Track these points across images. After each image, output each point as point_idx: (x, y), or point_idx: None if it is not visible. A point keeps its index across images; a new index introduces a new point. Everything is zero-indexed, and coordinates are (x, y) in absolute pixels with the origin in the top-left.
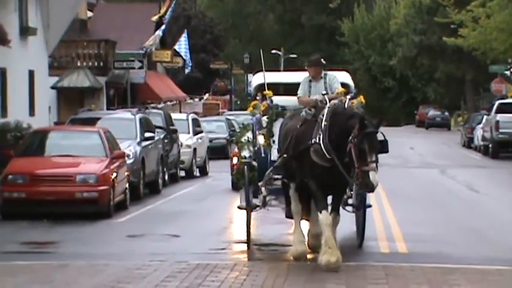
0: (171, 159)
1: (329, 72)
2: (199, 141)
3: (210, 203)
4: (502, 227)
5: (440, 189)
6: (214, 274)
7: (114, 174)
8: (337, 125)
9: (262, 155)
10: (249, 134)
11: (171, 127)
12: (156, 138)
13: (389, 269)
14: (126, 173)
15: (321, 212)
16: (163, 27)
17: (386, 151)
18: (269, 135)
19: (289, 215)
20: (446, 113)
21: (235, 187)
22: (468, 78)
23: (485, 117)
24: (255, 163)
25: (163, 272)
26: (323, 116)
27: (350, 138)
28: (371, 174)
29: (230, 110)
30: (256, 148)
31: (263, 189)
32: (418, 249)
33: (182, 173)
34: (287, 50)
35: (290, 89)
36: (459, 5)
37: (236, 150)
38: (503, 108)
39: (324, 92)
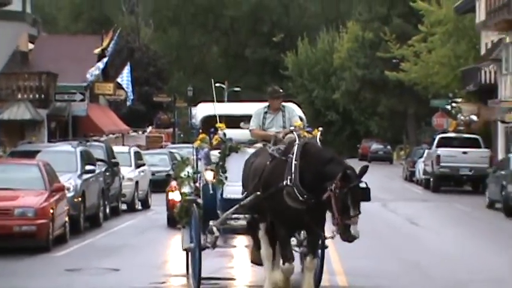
0: (112, 192)
1: (287, 105)
2: (142, 174)
3: (151, 236)
4: (442, 261)
5: (382, 222)
6: None
7: (54, 208)
8: (312, 167)
9: (210, 191)
10: (189, 169)
11: (113, 160)
12: (97, 171)
13: None
14: (66, 207)
15: (284, 264)
16: (105, 59)
17: (368, 199)
18: (222, 171)
19: (256, 261)
20: (389, 147)
21: (172, 223)
22: (410, 112)
23: (426, 151)
24: (199, 200)
25: None
26: (293, 154)
27: (332, 187)
28: (352, 228)
29: (173, 143)
30: (201, 184)
31: (214, 229)
32: (358, 283)
33: (124, 206)
34: (231, 82)
35: (239, 121)
36: (401, 40)
37: (173, 184)
38: (444, 142)
39: (280, 126)
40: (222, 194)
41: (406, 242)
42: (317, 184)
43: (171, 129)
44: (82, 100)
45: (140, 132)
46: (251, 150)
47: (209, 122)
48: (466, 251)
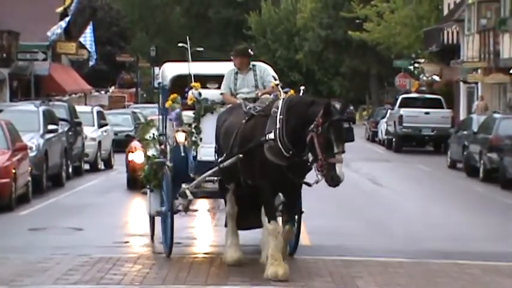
0: (75, 152)
1: (258, 63)
2: (104, 134)
3: (114, 196)
4: (403, 220)
5: (344, 182)
6: (117, 267)
7: (16, 167)
8: (296, 116)
9: (182, 153)
10: (153, 131)
11: (76, 120)
12: (60, 130)
13: (292, 262)
14: (28, 166)
15: (269, 222)
16: (67, 18)
17: (352, 139)
18: (196, 132)
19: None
20: (352, 107)
21: (132, 185)
22: (373, 73)
23: (389, 111)
24: (169, 163)
25: (65, 266)
26: (277, 109)
27: (312, 127)
28: (337, 166)
29: (136, 103)
30: (167, 146)
31: (188, 192)
32: (320, 241)
33: (86, 166)
34: (194, 43)
35: (213, 81)
36: (364, 0)
37: (133, 145)
38: (407, 103)
39: (252, 86)
40: (195, 156)
41: (368, 201)
42: (301, 135)
43: (133, 89)
44: (44, 59)
45: (103, 92)
46: None
47: (180, 82)
48: (427, 209)
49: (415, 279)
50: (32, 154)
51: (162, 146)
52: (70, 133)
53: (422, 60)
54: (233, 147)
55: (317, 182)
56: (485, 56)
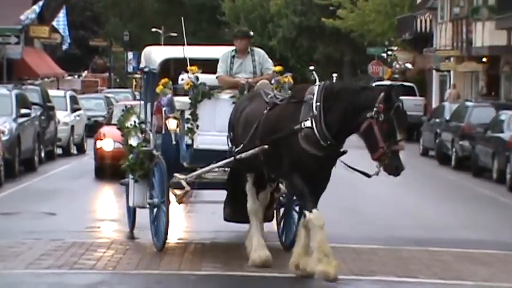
0: (47, 136)
1: (256, 48)
2: (77, 118)
3: (87, 181)
4: (375, 207)
5: None
6: (90, 252)
7: None
8: (343, 102)
9: (173, 142)
10: (134, 118)
11: (48, 104)
12: (33, 115)
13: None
14: (0, 150)
15: (311, 211)
16: (41, 2)
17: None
18: (193, 118)
19: (230, 218)
20: None
21: (101, 174)
22: (346, 60)
23: None
24: (155, 152)
25: (37, 250)
26: (313, 95)
27: (372, 113)
28: (401, 154)
29: (109, 87)
30: (150, 134)
31: (184, 183)
32: None
33: (59, 151)
34: (168, 28)
35: (206, 65)
36: None
37: (102, 132)
38: None
39: (250, 72)
40: (190, 145)
41: (345, 188)
42: (347, 123)
43: (106, 74)
44: (17, 43)
45: (76, 77)
46: (225, 96)
47: (169, 66)
48: (399, 197)
49: (388, 266)
50: (4, 138)
51: (144, 134)
52: (43, 117)
53: (396, 48)
54: (253, 138)
55: (377, 173)
56: (457, 45)
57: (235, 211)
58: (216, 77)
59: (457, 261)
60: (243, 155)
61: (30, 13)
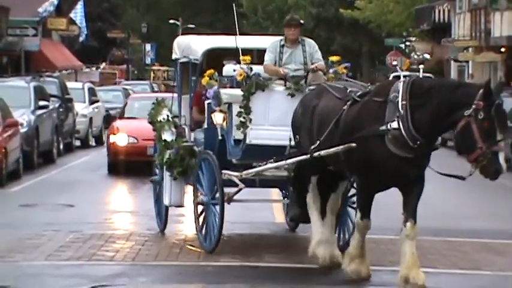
0: (66, 129)
1: (306, 39)
2: (95, 110)
3: (105, 173)
4: (394, 197)
5: None
6: (109, 244)
7: (7, 143)
8: (435, 100)
9: (218, 137)
10: (166, 112)
11: (67, 96)
12: (51, 107)
13: (292, 239)
14: (19, 142)
15: (362, 219)
16: None
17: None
18: (246, 112)
19: (298, 218)
20: None
21: (114, 170)
22: (364, 51)
23: None
24: (196, 148)
25: (56, 242)
26: (398, 93)
27: (469, 111)
28: (501, 155)
29: (127, 79)
30: (186, 129)
31: (237, 180)
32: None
33: (77, 143)
34: (185, 20)
35: (230, 57)
36: None
37: (115, 125)
38: None
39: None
40: (241, 140)
41: None
42: (440, 124)
43: (124, 66)
44: (35, 35)
45: (93, 69)
46: (279, 88)
47: (215, 56)
48: None
49: None
50: (22, 130)
51: (178, 129)
52: (61, 109)
53: (414, 39)
54: (331, 136)
55: (470, 174)
56: (476, 35)
57: (304, 212)
58: (264, 65)
59: (476, 251)
60: (323, 152)
61: (48, 5)
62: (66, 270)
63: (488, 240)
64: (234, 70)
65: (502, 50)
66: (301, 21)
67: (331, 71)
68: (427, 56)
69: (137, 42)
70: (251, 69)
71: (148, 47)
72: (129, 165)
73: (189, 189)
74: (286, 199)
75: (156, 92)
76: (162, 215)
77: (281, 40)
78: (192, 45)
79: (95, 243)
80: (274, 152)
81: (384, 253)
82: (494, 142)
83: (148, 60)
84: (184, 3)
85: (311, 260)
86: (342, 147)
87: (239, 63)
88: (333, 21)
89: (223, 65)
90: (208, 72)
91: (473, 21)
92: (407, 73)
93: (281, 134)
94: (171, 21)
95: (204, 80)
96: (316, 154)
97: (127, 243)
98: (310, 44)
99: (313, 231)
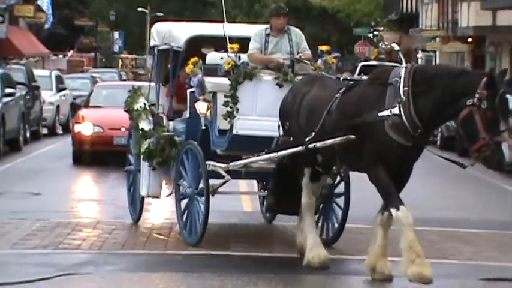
0: (33, 116)
1: (292, 27)
2: (63, 98)
3: (72, 161)
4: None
5: None
6: (75, 232)
7: None
8: (438, 87)
9: (202, 127)
10: (143, 100)
11: (34, 83)
12: (18, 94)
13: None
14: None
15: (398, 209)
16: None
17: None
18: (232, 101)
19: (274, 207)
20: None
21: (79, 160)
22: (333, 40)
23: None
24: (177, 138)
25: (23, 231)
26: (399, 78)
27: (474, 100)
28: (504, 146)
29: (95, 67)
30: (164, 118)
31: (222, 172)
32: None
33: (45, 131)
34: (153, 8)
35: (208, 45)
36: None
37: (80, 114)
38: (366, 70)
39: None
40: (227, 130)
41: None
42: (441, 112)
43: (92, 54)
44: (1, 22)
45: (61, 56)
46: (267, 78)
47: (195, 44)
48: None
49: None
50: None
51: (155, 118)
52: (28, 97)
53: (382, 28)
54: (325, 125)
55: (472, 164)
56: (443, 25)
57: (281, 201)
58: (248, 55)
59: (443, 240)
60: (319, 144)
61: None
62: (33, 259)
63: (455, 229)
64: (222, 58)
65: (469, 40)
66: (287, 10)
67: (320, 61)
68: (395, 46)
69: (105, 30)
70: (239, 57)
71: (116, 35)
72: (94, 155)
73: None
74: (265, 191)
75: (124, 80)
76: (137, 206)
77: (266, 29)
78: (174, 32)
79: (61, 231)
80: (261, 143)
81: (352, 242)
82: (497, 132)
83: (116, 48)
84: None
85: (279, 249)
86: (339, 138)
87: (217, 51)
88: (302, 10)
89: (203, 53)
90: (193, 60)
91: (440, 11)
92: (375, 62)
93: (269, 125)
94: (139, 9)
95: (188, 68)
96: (311, 146)
97: (94, 231)
98: (296, 33)
99: (307, 237)
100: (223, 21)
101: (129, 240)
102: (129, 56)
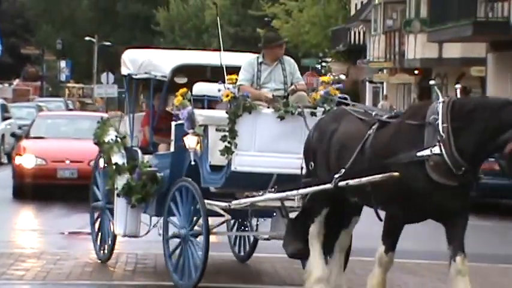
0: None
1: (285, 56)
2: (8, 127)
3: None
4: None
5: None
6: (19, 263)
7: None
8: (480, 122)
9: (192, 162)
10: (113, 131)
11: None
12: None
13: None
14: None
15: (386, 253)
16: None
17: None
18: (230, 136)
19: (300, 254)
20: None
21: (20, 195)
22: None
23: None
24: (160, 174)
25: None
26: (437, 115)
27: None
28: None
29: (41, 96)
30: (139, 153)
31: (221, 211)
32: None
33: None
34: (101, 37)
35: (181, 75)
36: None
37: (21, 146)
38: None
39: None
40: (227, 166)
41: None
42: (485, 147)
43: (39, 83)
44: None
45: (6, 85)
46: (267, 111)
47: (183, 75)
48: None
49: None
50: None
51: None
52: None
53: (330, 59)
54: (357, 162)
55: None
56: (390, 57)
57: (306, 246)
58: (240, 86)
59: (389, 271)
60: (352, 182)
61: None
62: None
63: (402, 260)
64: (219, 90)
65: (416, 72)
66: (285, 40)
67: (322, 92)
68: (343, 77)
69: (52, 58)
70: (238, 89)
71: (63, 63)
72: (36, 189)
73: (145, 219)
74: (237, 230)
75: (71, 109)
76: (105, 244)
77: (258, 57)
78: (155, 61)
79: (4, 262)
80: (260, 180)
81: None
82: None
83: (63, 77)
84: (101, 20)
85: (226, 280)
86: (381, 176)
87: (211, 81)
88: (251, 40)
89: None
90: (181, 91)
91: (387, 43)
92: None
93: (268, 161)
94: (87, 38)
95: (177, 100)
96: (343, 184)
97: (38, 262)
98: (290, 62)
99: (313, 267)
100: (197, 50)
101: (74, 270)
102: (76, 85)
